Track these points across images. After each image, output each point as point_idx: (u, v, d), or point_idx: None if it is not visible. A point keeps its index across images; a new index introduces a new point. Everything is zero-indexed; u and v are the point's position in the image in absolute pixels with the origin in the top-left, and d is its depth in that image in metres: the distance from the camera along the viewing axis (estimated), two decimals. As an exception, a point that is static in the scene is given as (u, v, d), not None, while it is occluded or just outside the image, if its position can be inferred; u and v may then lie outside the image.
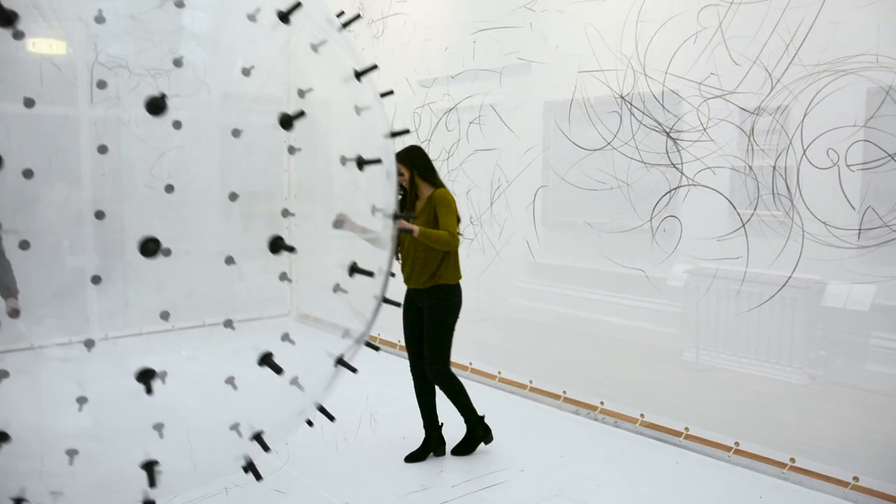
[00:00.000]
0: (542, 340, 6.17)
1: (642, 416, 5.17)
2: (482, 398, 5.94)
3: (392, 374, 6.15)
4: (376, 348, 3.59)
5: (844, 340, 4.40)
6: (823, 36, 4.13)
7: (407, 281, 4.65)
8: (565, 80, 5.46)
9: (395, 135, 3.51)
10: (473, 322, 6.73)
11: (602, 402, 5.43)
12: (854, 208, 4.09)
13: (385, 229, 3.36)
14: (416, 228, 4.21)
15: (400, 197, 4.50)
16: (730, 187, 4.64)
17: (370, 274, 3.17)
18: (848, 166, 4.09)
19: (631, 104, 5.08)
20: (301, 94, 3.14)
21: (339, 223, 3.24)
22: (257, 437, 3.01)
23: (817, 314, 4.42)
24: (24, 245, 2.60)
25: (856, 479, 4.14)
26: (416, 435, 5.09)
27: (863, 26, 4.00)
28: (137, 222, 2.81)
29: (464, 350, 6.59)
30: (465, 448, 4.86)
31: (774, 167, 4.41)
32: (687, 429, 4.91)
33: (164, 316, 2.97)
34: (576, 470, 4.57)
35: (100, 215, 2.75)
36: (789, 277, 4.38)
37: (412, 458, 4.76)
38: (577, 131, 5.46)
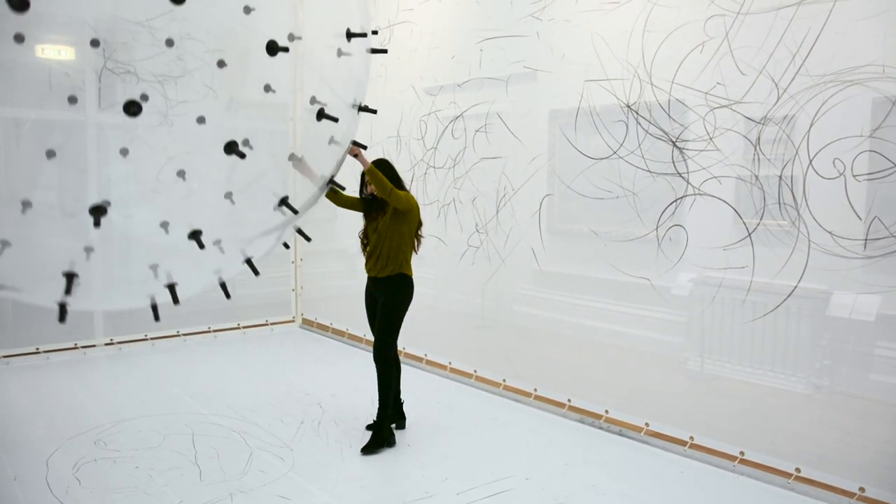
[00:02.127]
0: (546, 348, 6.17)
1: (647, 424, 5.16)
2: (486, 406, 5.96)
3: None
4: (308, 238, 3.91)
5: (850, 350, 4.39)
6: (829, 46, 4.14)
7: (370, 270, 5.04)
8: (571, 89, 5.47)
9: (362, 110, 3.81)
10: (478, 329, 6.74)
11: (607, 411, 5.42)
12: (860, 218, 4.09)
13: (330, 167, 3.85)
14: (367, 163, 4.69)
15: (367, 195, 5.07)
16: (735, 197, 4.64)
17: (335, 119, 3.53)
18: (854, 176, 4.09)
19: (637, 113, 5.09)
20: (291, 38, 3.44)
21: (296, 161, 3.56)
22: (194, 235, 3.12)
23: (823, 324, 4.41)
24: None
25: (861, 489, 4.13)
26: (422, 442, 5.10)
27: (869, 37, 4.01)
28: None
29: (468, 357, 6.60)
30: (372, 447, 4.94)
31: (780, 177, 4.42)
32: (692, 438, 4.90)
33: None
34: (580, 478, 4.56)
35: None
36: (795, 287, 4.38)
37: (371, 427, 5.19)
38: (583, 140, 5.47)
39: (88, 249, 3.06)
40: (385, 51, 4.11)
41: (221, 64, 3.33)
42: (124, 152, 3.20)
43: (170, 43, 3.16)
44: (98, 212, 2.89)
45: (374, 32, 4.07)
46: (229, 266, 3.51)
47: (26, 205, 2.98)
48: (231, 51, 3.35)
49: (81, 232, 3.00)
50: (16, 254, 2.96)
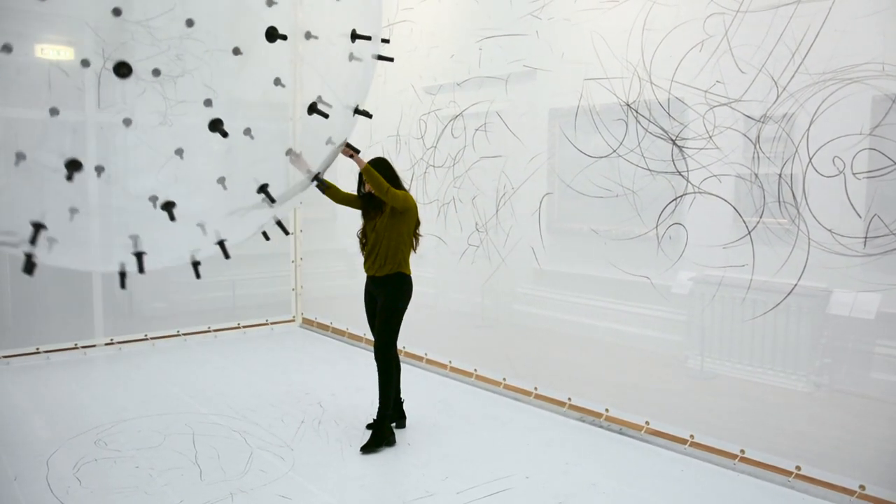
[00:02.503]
0: (547, 347, 6.17)
1: (647, 423, 5.16)
2: (486, 405, 5.96)
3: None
4: (286, 231, 3.97)
5: (850, 348, 4.40)
6: (829, 44, 4.14)
7: (368, 269, 5.06)
8: (571, 88, 5.47)
9: (358, 113, 3.87)
10: (478, 328, 6.75)
11: (607, 410, 5.42)
12: (860, 216, 4.09)
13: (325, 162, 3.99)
14: (362, 162, 4.71)
15: (364, 193, 5.06)
16: (735, 195, 4.65)
17: (325, 115, 3.65)
18: (854, 174, 4.09)
19: (637, 112, 5.09)
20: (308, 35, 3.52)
21: (293, 157, 3.65)
22: (167, 206, 3.19)
23: (823, 322, 4.42)
24: None
25: (862, 487, 4.13)
26: (422, 441, 5.10)
27: (868, 35, 4.01)
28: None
29: (468, 357, 6.60)
30: (372, 447, 4.94)
31: (780, 175, 4.42)
32: (692, 436, 4.90)
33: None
34: (580, 477, 4.56)
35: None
36: (795, 285, 4.38)
37: (371, 426, 5.17)
38: (583, 139, 5.47)
39: (73, 210, 3.08)
40: (391, 59, 4.13)
41: (237, 51, 3.38)
42: (127, 122, 3.22)
43: (190, 23, 3.19)
44: (73, 166, 2.90)
45: (386, 41, 4.09)
46: (207, 247, 3.52)
47: (20, 157, 2.99)
48: (246, 41, 3.41)
49: (70, 192, 3.02)
50: (4, 204, 2.97)
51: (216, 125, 3.14)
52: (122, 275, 3.32)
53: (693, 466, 4.74)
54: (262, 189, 3.46)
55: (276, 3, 3.44)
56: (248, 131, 3.50)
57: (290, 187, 3.76)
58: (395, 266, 4.94)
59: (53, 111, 3.07)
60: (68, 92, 3.16)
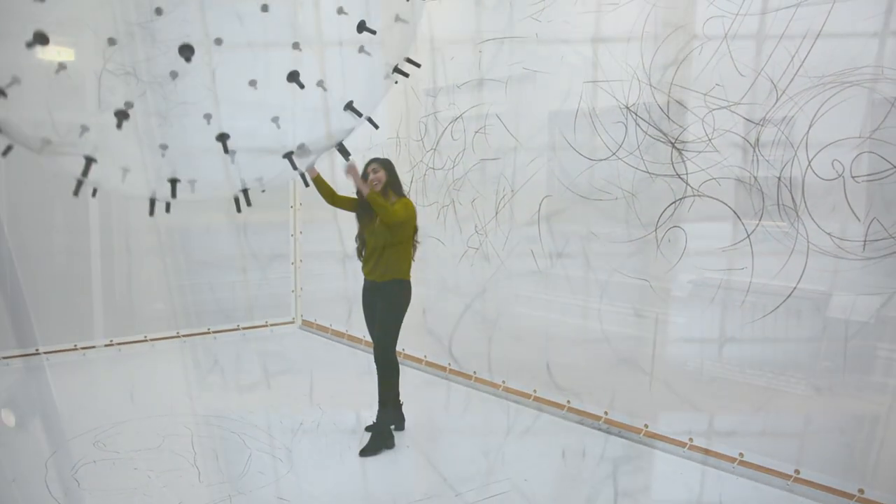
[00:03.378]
0: (546, 350, 6.17)
1: (646, 426, 5.16)
2: (486, 407, 5.96)
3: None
4: (248, 203, 3.90)
5: (849, 352, 4.39)
6: (828, 47, 4.14)
7: (368, 274, 5.08)
8: (571, 90, 5.48)
9: (346, 107, 3.88)
10: (477, 331, 6.74)
11: (606, 412, 5.42)
12: (859, 220, 4.09)
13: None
14: (366, 189, 4.79)
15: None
16: (735, 198, 4.65)
17: (301, 86, 3.62)
18: (853, 177, 4.09)
19: (636, 115, 5.09)
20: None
21: (301, 151, 3.67)
22: (118, 115, 3.17)
23: (822, 325, 4.41)
24: None
25: (861, 491, 4.13)
26: (421, 444, 5.10)
27: (867, 38, 4.01)
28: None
29: (467, 359, 6.60)
30: (371, 449, 4.94)
31: (779, 178, 4.42)
32: (691, 439, 4.90)
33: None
34: (579, 479, 4.56)
35: None
36: (794, 288, 4.38)
37: (371, 428, 5.16)
38: (583, 141, 5.47)
39: (84, 128, 3.08)
40: (407, 75, 4.15)
41: (296, 46, 3.41)
42: (173, 75, 3.24)
43: (265, 8, 3.26)
44: (38, 39, 2.90)
45: (417, 64, 4.10)
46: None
47: (62, 67, 3.01)
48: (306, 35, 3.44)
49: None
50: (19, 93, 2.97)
51: (184, 50, 3.12)
52: (80, 183, 3.29)
53: (692, 469, 4.74)
54: (220, 138, 3.40)
55: (345, 14, 3.47)
56: (276, 119, 3.51)
57: (261, 147, 3.73)
58: (396, 272, 4.96)
59: (112, 41, 3.13)
60: (70, 90, 3.16)
